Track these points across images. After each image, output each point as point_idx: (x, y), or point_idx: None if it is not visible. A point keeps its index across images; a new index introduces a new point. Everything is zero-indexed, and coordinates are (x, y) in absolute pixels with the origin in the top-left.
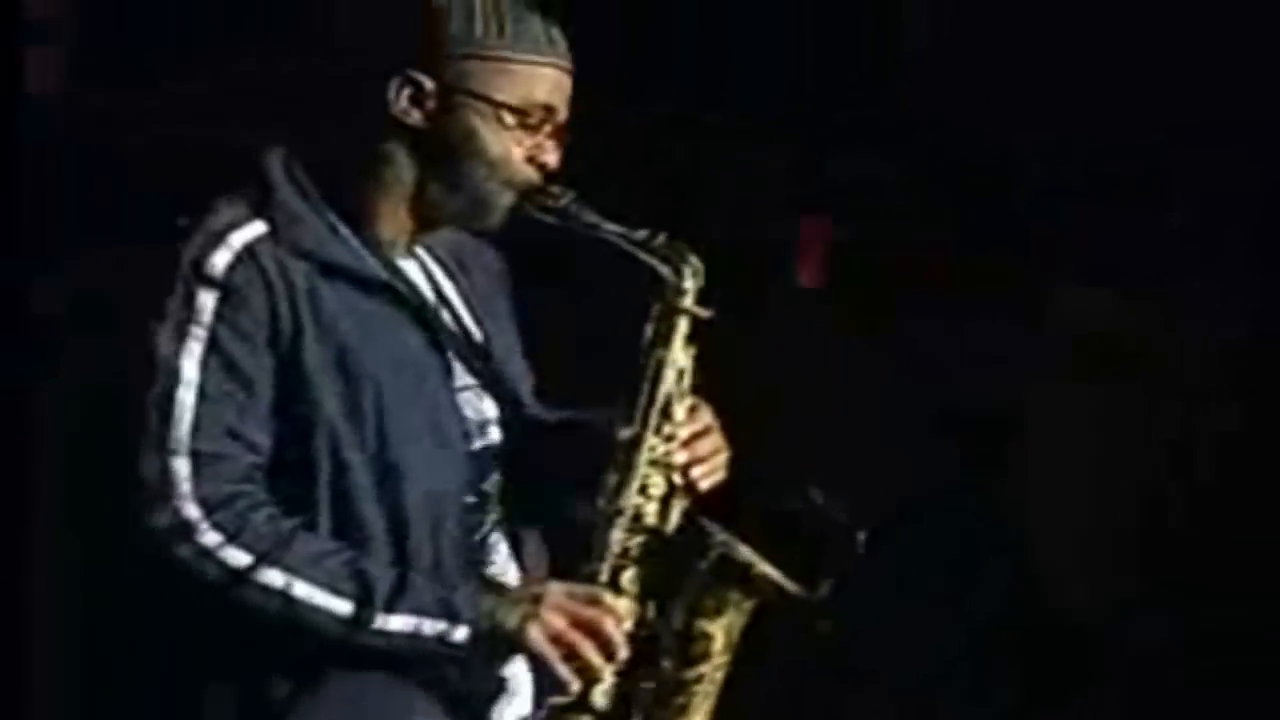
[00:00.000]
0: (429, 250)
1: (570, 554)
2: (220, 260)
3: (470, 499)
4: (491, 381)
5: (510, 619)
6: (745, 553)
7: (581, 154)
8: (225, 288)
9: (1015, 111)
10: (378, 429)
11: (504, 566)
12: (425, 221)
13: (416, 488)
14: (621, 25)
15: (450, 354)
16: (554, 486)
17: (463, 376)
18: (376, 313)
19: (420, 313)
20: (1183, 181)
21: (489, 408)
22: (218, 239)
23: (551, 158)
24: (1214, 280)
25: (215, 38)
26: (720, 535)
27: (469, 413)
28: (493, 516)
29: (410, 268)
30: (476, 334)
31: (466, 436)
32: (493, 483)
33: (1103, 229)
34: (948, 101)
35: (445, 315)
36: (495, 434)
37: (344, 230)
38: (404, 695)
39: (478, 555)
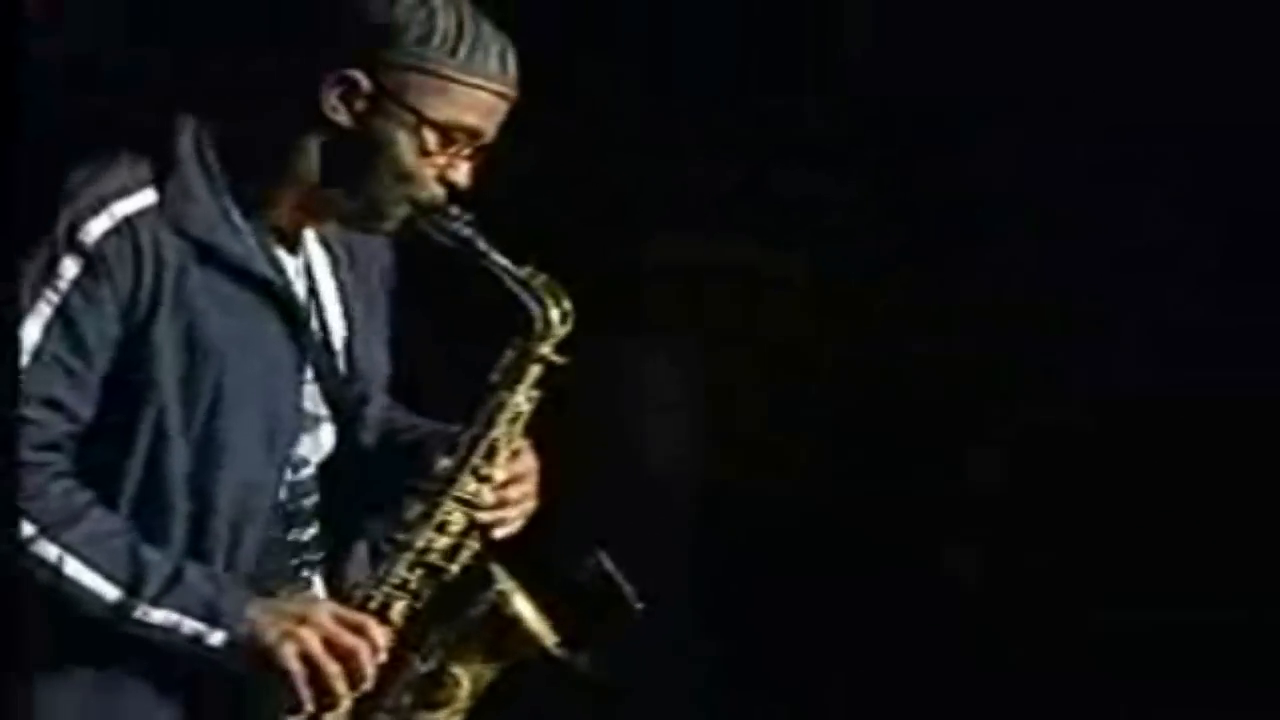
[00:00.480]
0: (319, 236)
1: None
2: (96, 229)
3: (284, 497)
4: (339, 383)
5: (269, 632)
6: (518, 606)
7: (520, 167)
8: (91, 258)
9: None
10: (209, 410)
11: (312, 571)
12: (318, 215)
13: (232, 475)
14: (563, 37)
15: (306, 350)
16: (373, 497)
17: (311, 373)
18: (241, 299)
19: (287, 306)
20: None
21: (322, 401)
22: (100, 205)
23: (461, 177)
24: None
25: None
26: (502, 584)
27: (309, 406)
28: (310, 523)
29: (291, 259)
30: (341, 330)
31: (296, 435)
32: (310, 484)
33: None
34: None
35: (313, 310)
36: (327, 433)
37: (235, 214)
38: (154, 688)
39: (283, 557)
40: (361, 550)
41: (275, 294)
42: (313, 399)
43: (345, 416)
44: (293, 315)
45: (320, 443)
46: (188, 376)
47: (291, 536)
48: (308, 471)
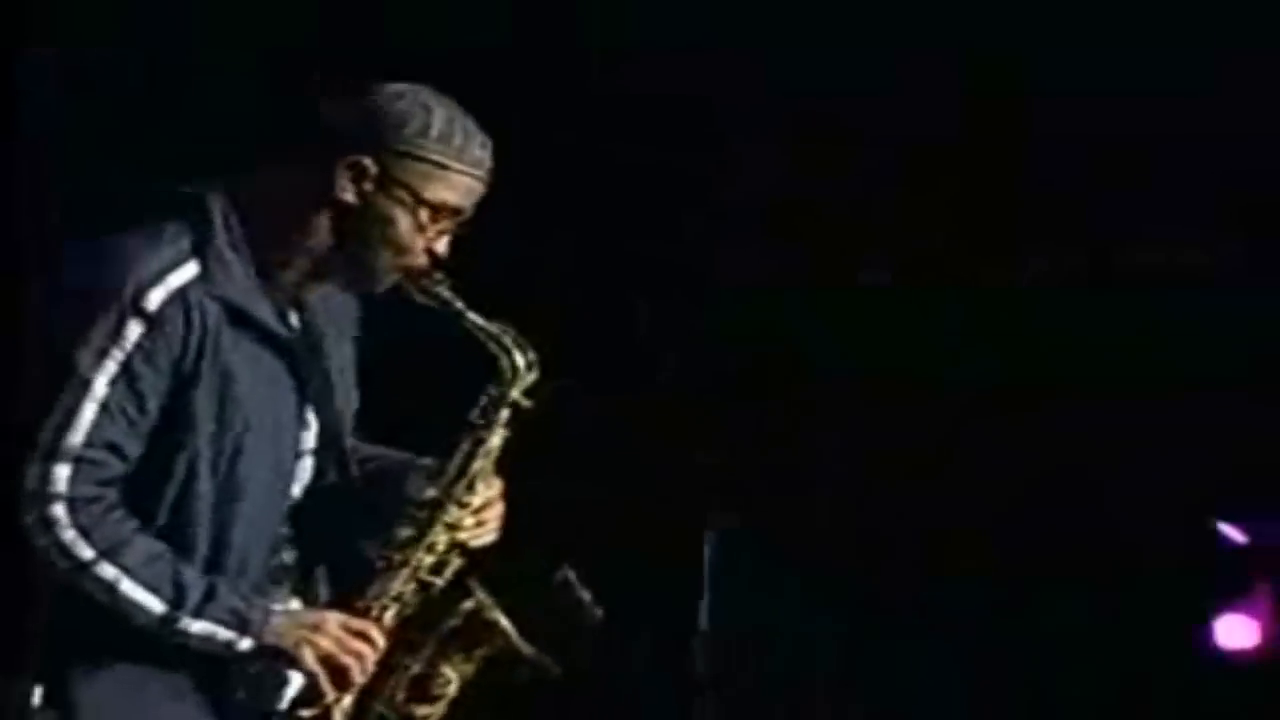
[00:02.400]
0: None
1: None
2: (156, 298)
3: (282, 530)
4: (327, 425)
5: (290, 638)
6: (495, 614)
7: None
8: (152, 322)
9: None
10: (231, 460)
11: (289, 588)
12: (321, 278)
13: (246, 509)
14: None
15: (308, 399)
16: (345, 523)
17: (309, 420)
18: (262, 356)
19: (297, 362)
20: None
21: (311, 439)
22: (158, 277)
23: (442, 247)
24: None
25: None
26: (480, 595)
27: (302, 447)
28: (290, 546)
29: (294, 318)
30: (334, 374)
31: (293, 476)
32: (291, 512)
33: None
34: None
35: (316, 368)
36: (308, 467)
37: (257, 279)
38: (184, 681)
39: (275, 577)
40: (321, 570)
41: (290, 351)
42: (303, 440)
43: (329, 452)
44: (300, 369)
45: (302, 475)
46: (219, 426)
47: (276, 561)
48: (292, 502)
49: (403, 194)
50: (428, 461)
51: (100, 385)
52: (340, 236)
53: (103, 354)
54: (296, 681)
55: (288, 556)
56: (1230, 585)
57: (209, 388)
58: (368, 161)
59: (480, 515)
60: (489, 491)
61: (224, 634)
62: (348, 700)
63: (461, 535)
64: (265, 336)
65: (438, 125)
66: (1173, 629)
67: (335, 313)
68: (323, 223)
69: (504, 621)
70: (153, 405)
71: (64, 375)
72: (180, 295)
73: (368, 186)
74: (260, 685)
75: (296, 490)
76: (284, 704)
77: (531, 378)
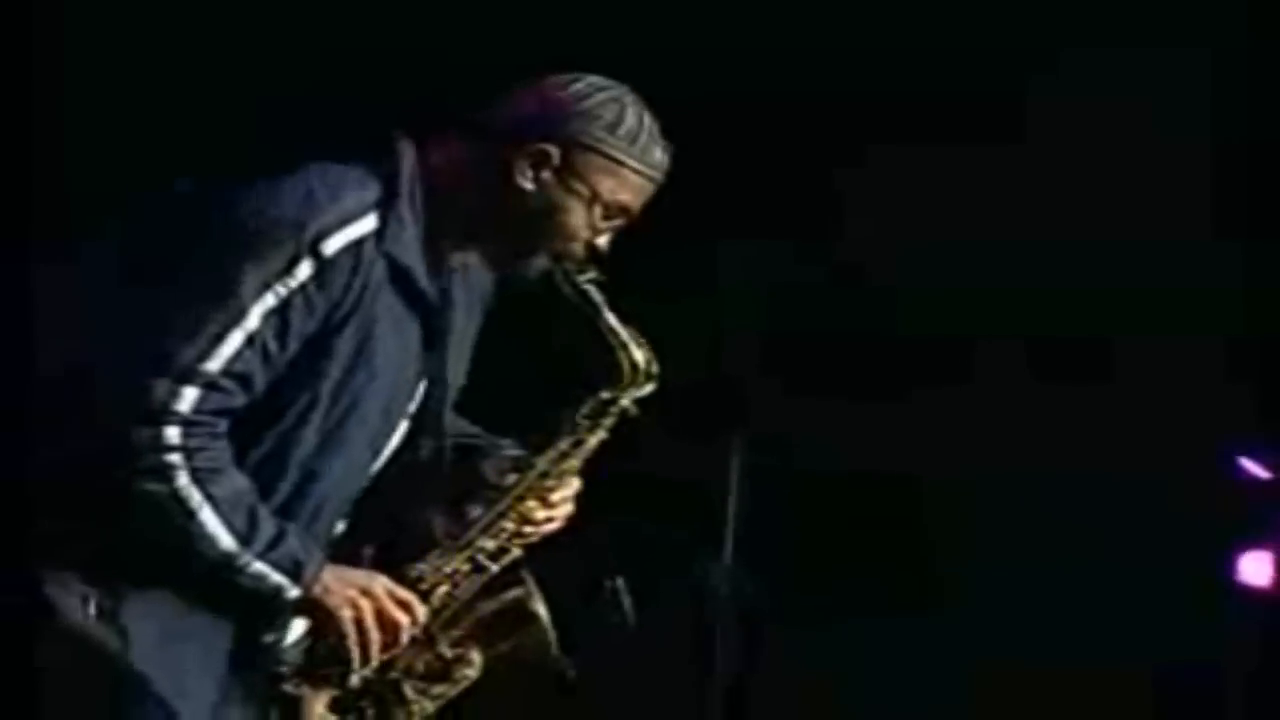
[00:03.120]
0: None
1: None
2: (334, 244)
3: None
4: (434, 394)
5: (335, 597)
6: (538, 607)
7: None
8: (324, 267)
9: None
10: (345, 411)
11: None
12: (465, 250)
13: (338, 464)
14: None
15: (431, 365)
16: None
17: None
18: (405, 321)
19: (434, 328)
20: None
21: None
22: (341, 224)
23: (604, 243)
24: None
25: None
26: (529, 585)
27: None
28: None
29: (439, 283)
30: (450, 349)
31: (390, 440)
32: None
33: None
34: None
35: (441, 335)
36: (401, 432)
37: (421, 245)
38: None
39: (327, 536)
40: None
41: (432, 317)
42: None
43: (429, 422)
44: (433, 337)
45: (393, 440)
46: (345, 378)
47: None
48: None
49: (580, 186)
50: (509, 445)
51: (255, 316)
52: (508, 218)
53: (266, 286)
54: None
55: (341, 525)
56: (1253, 522)
57: (350, 340)
58: (552, 149)
59: (551, 510)
60: (566, 490)
61: (276, 578)
62: (371, 668)
63: (529, 527)
64: (415, 300)
65: (628, 124)
66: (1195, 565)
67: (472, 286)
68: (495, 202)
69: (545, 616)
70: (294, 346)
71: (221, 295)
72: (356, 246)
73: (546, 174)
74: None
75: (386, 454)
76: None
77: (649, 388)
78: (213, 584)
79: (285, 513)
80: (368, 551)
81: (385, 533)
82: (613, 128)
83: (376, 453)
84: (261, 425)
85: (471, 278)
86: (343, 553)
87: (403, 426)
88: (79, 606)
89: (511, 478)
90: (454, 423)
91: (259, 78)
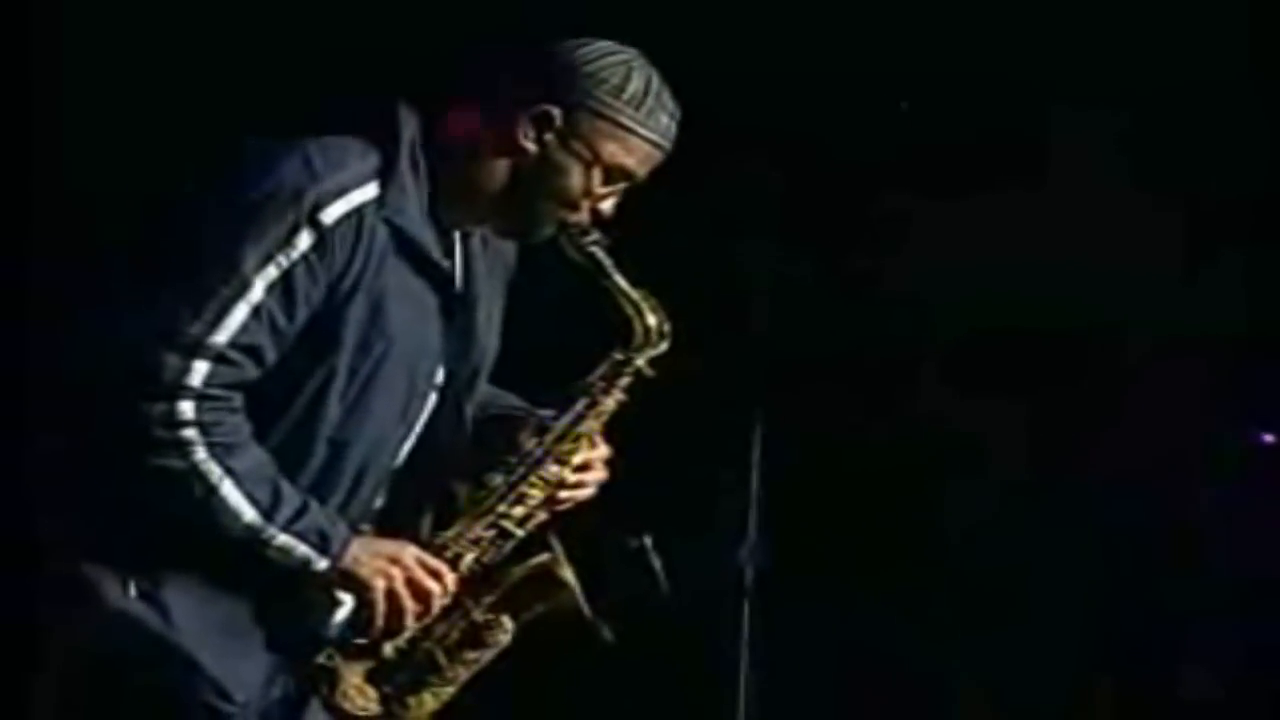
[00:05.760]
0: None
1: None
2: (334, 213)
3: (395, 465)
4: (470, 363)
5: (365, 568)
6: (566, 573)
7: None
8: (324, 236)
9: None
10: (366, 381)
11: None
12: (481, 219)
13: (368, 436)
14: None
15: (452, 335)
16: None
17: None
18: (417, 286)
19: (450, 297)
20: None
21: (441, 376)
22: (340, 192)
23: (607, 207)
24: None
25: None
26: (557, 551)
27: (435, 381)
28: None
29: (457, 254)
30: (480, 315)
31: (421, 411)
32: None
33: None
34: None
35: (466, 306)
36: (432, 404)
37: (426, 212)
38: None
39: (368, 509)
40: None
41: (446, 287)
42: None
43: (463, 393)
44: (451, 305)
45: (425, 411)
46: (360, 349)
47: (378, 499)
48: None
49: (581, 149)
50: (547, 412)
51: (259, 288)
52: (512, 182)
53: (268, 258)
54: (346, 606)
55: (380, 500)
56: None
57: (360, 309)
58: (555, 112)
59: (581, 475)
60: (592, 452)
61: (303, 550)
62: (403, 637)
63: (563, 492)
64: (425, 268)
65: (632, 88)
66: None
67: (495, 257)
68: (499, 166)
69: (573, 581)
70: (301, 317)
71: (223, 268)
72: (356, 214)
73: (549, 137)
74: (311, 606)
75: (420, 424)
76: (332, 629)
77: (663, 347)
78: (242, 561)
79: (322, 485)
80: (427, 520)
81: (430, 501)
82: (618, 91)
83: (410, 424)
84: (282, 403)
85: (493, 247)
86: (394, 525)
87: (433, 396)
88: (118, 587)
89: (529, 443)
90: (493, 393)
91: (259, 78)
